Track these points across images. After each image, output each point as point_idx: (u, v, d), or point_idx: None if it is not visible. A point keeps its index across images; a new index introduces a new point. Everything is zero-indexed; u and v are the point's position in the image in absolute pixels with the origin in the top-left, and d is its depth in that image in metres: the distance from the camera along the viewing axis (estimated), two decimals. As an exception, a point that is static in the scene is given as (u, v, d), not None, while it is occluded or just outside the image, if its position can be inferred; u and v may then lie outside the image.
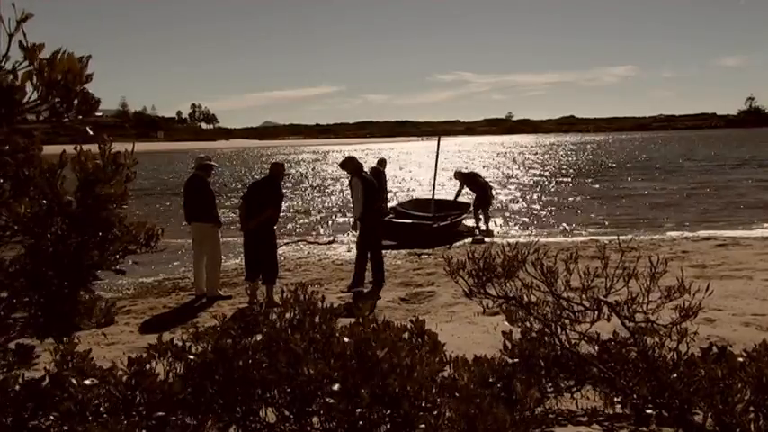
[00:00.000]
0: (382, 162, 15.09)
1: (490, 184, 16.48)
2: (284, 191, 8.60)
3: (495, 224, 16.19)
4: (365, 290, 8.82)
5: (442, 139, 16.72)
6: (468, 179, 15.94)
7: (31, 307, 1.72)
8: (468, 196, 16.39)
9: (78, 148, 1.66)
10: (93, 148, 1.71)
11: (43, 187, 1.61)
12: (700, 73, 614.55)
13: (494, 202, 17.02)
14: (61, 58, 1.37)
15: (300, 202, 23.28)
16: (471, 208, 15.88)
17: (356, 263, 9.10)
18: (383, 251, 10.55)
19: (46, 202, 1.62)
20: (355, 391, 2.28)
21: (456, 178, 16.28)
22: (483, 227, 15.54)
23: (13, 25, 1.33)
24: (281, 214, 8.92)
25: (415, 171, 39.63)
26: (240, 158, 73.32)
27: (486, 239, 13.50)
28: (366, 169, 11.11)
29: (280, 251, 12.52)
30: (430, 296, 8.13)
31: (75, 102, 1.42)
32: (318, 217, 19.15)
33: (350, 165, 8.96)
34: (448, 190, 20.98)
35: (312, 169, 46.79)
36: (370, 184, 8.95)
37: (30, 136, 1.49)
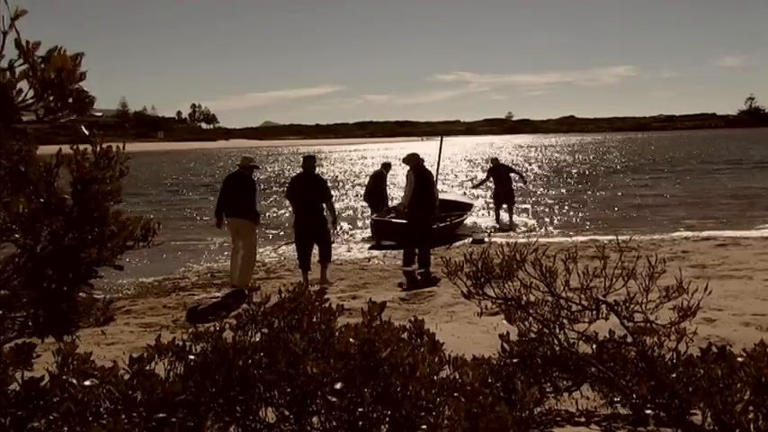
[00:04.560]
0: (387, 166, 15.16)
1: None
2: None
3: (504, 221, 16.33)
4: (414, 270, 9.75)
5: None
6: (498, 171, 16.34)
7: (30, 306, 1.72)
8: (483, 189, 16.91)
9: (75, 147, 1.66)
10: (90, 147, 1.71)
11: (40, 186, 1.61)
12: (700, 73, 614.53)
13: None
14: (55, 56, 1.37)
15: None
16: (493, 202, 16.55)
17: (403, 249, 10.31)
18: (383, 250, 11.20)
19: (43, 201, 1.62)
20: (358, 390, 2.28)
21: (493, 165, 16.72)
22: (507, 221, 16.00)
23: (7, 23, 1.33)
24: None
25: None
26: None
27: (486, 239, 13.49)
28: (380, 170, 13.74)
29: (280, 251, 12.58)
30: (430, 296, 8.13)
31: (70, 100, 1.42)
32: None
33: (411, 160, 10.09)
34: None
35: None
36: (421, 181, 9.87)
37: (24, 135, 1.49)
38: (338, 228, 10.63)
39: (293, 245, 13.16)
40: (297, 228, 9.24)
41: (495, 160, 17.11)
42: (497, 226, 15.61)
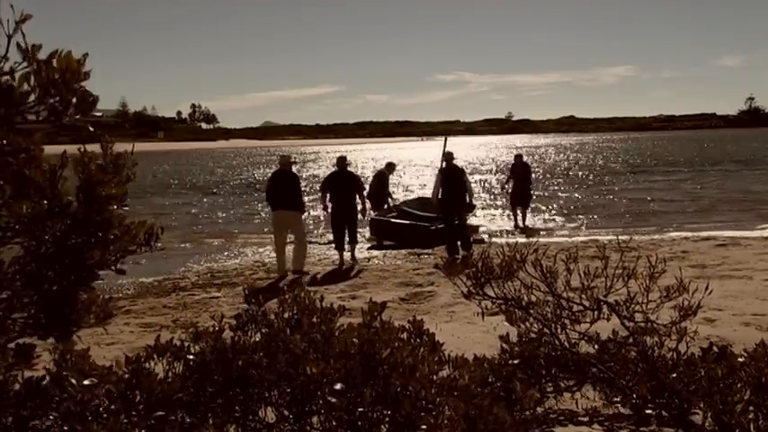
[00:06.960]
0: (390, 166, 15.04)
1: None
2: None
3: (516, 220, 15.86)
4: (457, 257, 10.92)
5: (440, 139, 16.72)
6: (519, 169, 15.50)
7: (31, 307, 1.72)
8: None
9: (82, 149, 1.66)
10: (94, 148, 1.71)
11: (44, 188, 1.61)
12: (700, 73, 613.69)
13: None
14: (59, 58, 1.37)
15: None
16: (509, 203, 15.92)
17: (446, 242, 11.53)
18: (383, 250, 12.04)
19: (47, 203, 1.62)
20: (358, 390, 2.28)
21: (516, 161, 15.77)
22: (521, 223, 15.52)
23: (11, 26, 1.34)
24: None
25: (415, 172, 39.62)
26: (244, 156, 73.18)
27: (488, 239, 13.47)
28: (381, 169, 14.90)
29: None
30: (430, 296, 8.12)
31: (74, 100, 1.42)
32: (318, 217, 19.11)
33: (445, 158, 11.59)
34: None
35: (311, 169, 46.76)
36: (446, 177, 11.22)
37: (30, 136, 1.49)
38: (368, 215, 12.56)
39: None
40: (333, 216, 10.96)
41: (518, 157, 15.92)
42: (515, 228, 15.17)
